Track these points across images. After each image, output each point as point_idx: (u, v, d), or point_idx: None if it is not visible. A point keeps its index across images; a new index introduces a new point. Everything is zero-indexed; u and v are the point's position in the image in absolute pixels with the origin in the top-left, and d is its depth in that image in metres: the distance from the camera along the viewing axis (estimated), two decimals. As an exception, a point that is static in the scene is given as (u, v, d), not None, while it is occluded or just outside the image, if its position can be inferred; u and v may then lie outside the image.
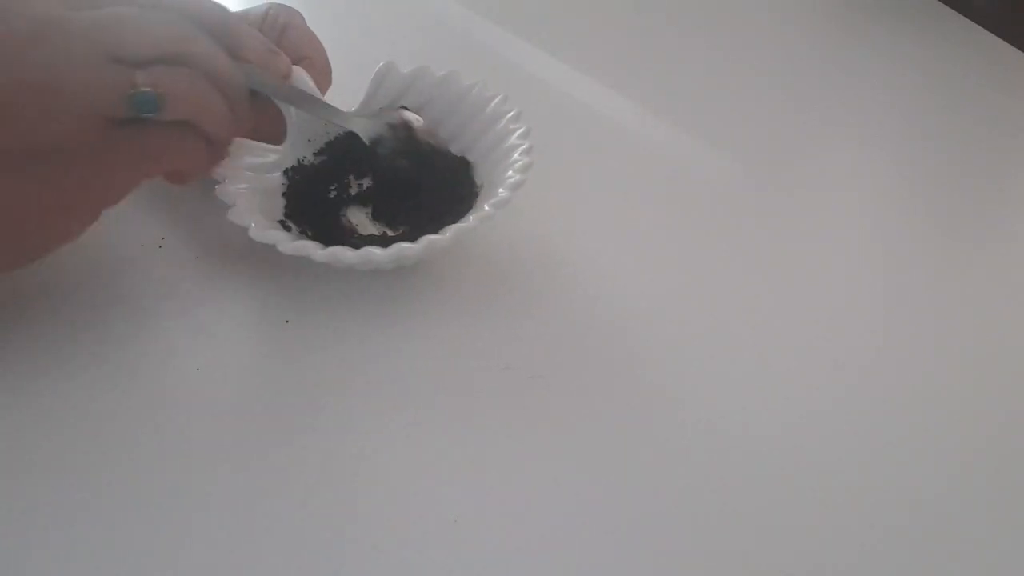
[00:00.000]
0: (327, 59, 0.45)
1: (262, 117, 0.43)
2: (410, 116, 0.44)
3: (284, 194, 0.43)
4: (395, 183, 0.44)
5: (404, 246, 0.37)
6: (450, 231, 0.38)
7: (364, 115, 0.44)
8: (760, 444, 0.37)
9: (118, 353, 0.38)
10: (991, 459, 0.38)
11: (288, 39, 0.43)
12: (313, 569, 0.31)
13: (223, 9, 0.37)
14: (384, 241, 0.40)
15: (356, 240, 0.42)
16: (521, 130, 0.43)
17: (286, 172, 0.44)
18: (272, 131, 0.43)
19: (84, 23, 0.32)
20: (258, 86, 0.39)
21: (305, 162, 0.44)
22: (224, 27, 0.36)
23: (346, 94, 0.46)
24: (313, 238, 0.40)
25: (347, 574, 0.31)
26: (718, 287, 0.45)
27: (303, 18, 0.45)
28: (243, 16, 0.44)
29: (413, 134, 0.44)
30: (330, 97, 0.45)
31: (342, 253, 0.37)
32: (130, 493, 0.33)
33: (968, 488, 0.37)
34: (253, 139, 0.43)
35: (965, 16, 0.73)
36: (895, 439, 0.38)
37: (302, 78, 0.42)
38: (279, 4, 0.44)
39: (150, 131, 0.34)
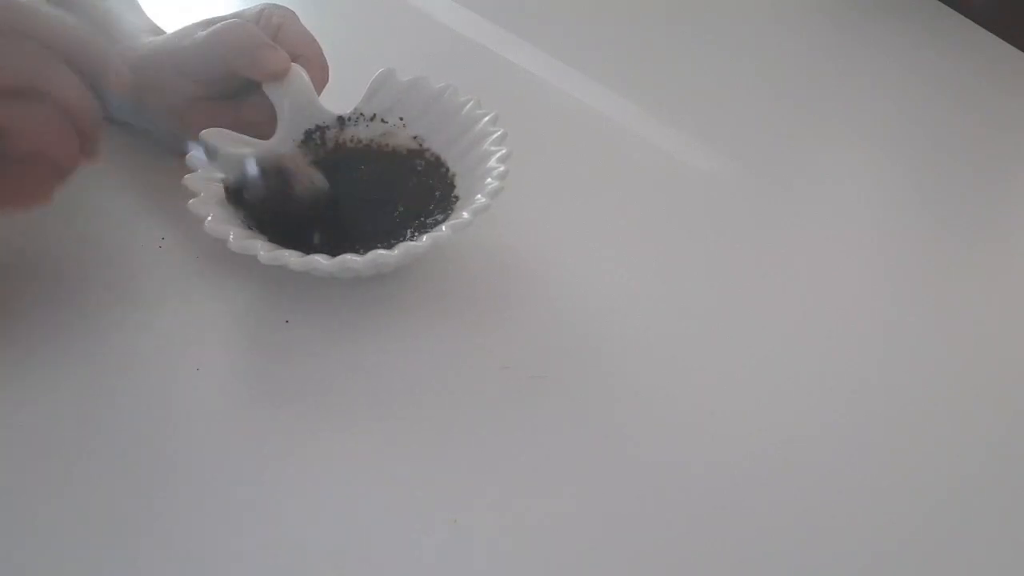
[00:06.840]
0: (323, 57, 0.45)
1: (253, 111, 0.44)
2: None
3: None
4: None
5: (381, 253, 0.37)
6: (427, 238, 0.38)
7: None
8: (759, 441, 0.37)
9: (118, 352, 0.38)
10: (993, 460, 0.38)
11: (282, 38, 0.43)
12: (313, 569, 0.31)
13: (86, 36, 0.35)
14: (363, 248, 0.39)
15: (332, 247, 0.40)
16: (499, 136, 0.42)
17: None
18: (265, 126, 0.44)
19: None
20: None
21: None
22: (84, 55, 0.34)
23: (346, 94, 0.46)
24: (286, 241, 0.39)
25: (347, 574, 0.31)
26: (715, 286, 0.44)
27: (297, 17, 0.45)
28: (238, 14, 0.44)
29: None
30: (327, 97, 0.45)
31: (318, 262, 0.37)
32: (129, 491, 0.33)
33: (969, 488, 0.36)
34: (239, 131, 0.43)
35: (965, 15, 0.72)
36: (895, 439, 0.38)
37: (300, 75, 0.43)
38: (273, 4, 0.44)
39: None
